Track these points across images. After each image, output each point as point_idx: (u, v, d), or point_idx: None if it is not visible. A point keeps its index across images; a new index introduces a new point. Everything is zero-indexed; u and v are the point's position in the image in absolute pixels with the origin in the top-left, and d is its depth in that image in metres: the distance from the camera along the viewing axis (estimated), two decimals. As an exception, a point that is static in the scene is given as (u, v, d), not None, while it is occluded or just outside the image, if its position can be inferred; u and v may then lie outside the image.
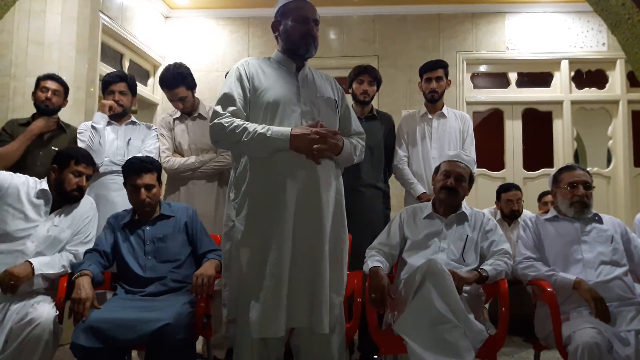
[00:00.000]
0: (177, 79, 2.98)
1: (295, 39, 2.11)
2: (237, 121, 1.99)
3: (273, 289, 1.90)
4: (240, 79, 2.08)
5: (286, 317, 1.92)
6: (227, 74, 3.29)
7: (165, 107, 5.26)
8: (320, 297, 1.95)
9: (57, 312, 2.17)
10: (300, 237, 1.96)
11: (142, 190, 2.46)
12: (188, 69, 3.05)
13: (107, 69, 4.20)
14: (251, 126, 1.97)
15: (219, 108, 2.04)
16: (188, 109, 3.08)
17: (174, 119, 3.11)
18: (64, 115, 3.35)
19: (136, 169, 2.47)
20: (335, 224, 2.07)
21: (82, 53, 3.80)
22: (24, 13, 3.64)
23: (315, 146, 1.94)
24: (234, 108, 2.03)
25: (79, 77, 3.74)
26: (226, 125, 1.98)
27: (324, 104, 2.14)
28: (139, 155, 2.67)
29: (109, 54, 4.56)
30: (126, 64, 4.82)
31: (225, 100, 2.05)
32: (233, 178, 2.12)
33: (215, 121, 2.01)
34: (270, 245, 1.94)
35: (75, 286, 2.16)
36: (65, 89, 3.09)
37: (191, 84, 3.06)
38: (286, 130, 1.96)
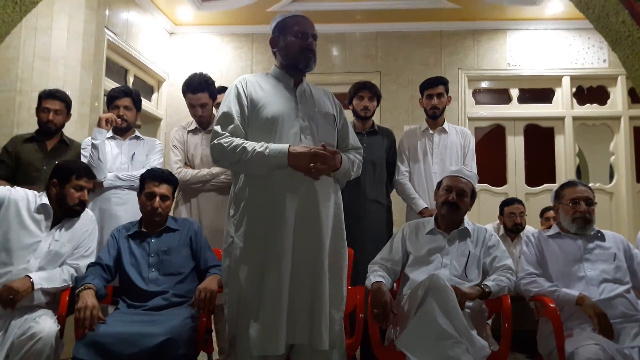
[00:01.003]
0: (203, 85, 3.05)
1: (295, 54, 2.12)
2: (237, 141, 2.00)
3: (272, 306, 1.90)
4: (238, 97, 2.09)
5: (286, 334, 1.91)
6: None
7: (169, 122, 5.31)
8: (320, 313, 1.94)
9: (59, 327, 2.16)
10: (299, 253, 1.96)
11: (157, 198, 2.49)
12: (213, 80, 3.13)
13: (111, 84, 4.24)
14: (250, 145, 1.98)
15: (218, 128, 2.05)
16: (205, 119, 3.10)
17: (188, 132, 3.13)
18: (69, 129, 3.37)
19: (157, 177, 2.53)
20: (335, 239, 2.06)
21: (87, 68, 3.85)
22: (31, 29, 3.69)
23: (311, 165, 1.94)
24: (233, 126, 2.04)
25: (84, 92, 3.78)
26: (225, 145, 2.00)
27: (322, 118, 2.14)
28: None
29: (114, 70, 4.60)
30: (130, 80, 4.86)
31: (224, 119, 2.06)
32: (232, 194, 2.12)
33: (215, 142, 2.03)
34: (269, 261, 1.94)
35: (80, 299, 2.15)
36: (67, 105, 3.10)
37: (213, 94, 3.12)
38: (284, 147, 1.96)
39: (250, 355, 1.94)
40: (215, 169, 2.99)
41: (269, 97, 2.10)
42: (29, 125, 3.14)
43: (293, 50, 2.12)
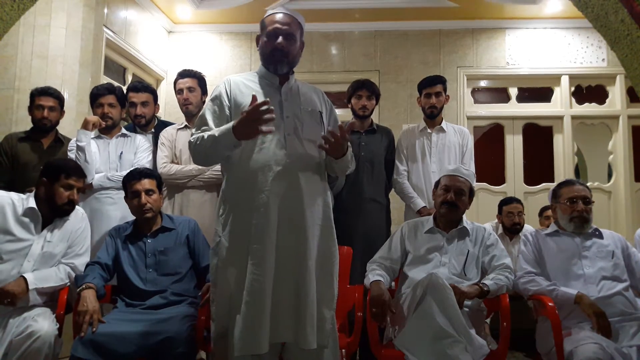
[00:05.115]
0: (194, 72, 3.15)
1: (266, 55, 2.09)
2: (201, 134, 2.00)
3: (254, 305, 1.88)
4: (219, 98, 2.08)
5: (271, 333, 1.89)
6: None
7: (166, 121, 5.29)
8: (305, 312, 1.91)
9: (58, 326, 2.16)
10: (283, 252, 1.94)
11: (143, 194, 2.48)
12: (204, 76, 3.22)
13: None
14: (207, 133, 1.98)
15: (193, 130, 2.06)
16: (192, 107, 3.09)
17: (178, 129, 3.12)
18: (67, 127, 3.38)
19: (136, 175, 2.53)
20: (323, 238, 2.04)
21: (85, 67, 3.84)
22: (29, 27, 3.68)
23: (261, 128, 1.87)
24: (206, 127, 2.03)
25: (82, 91, 3.77)
26: (193, 141, 2.01)
27: (308, 116, 2.10)
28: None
29: (113, 68, 4.60)
30: (129, 78, 4.86)
31: (200, 122, 2.06)
32: (221, 193, 2.11)
33: (189, 141, 2.05)
34: (253, 261, 1.91)
35: (81, 299, 2.15)
36: (61, 102, 3.09)
37: (203, 85, 3.17)
38: (230, 124, 1.92)
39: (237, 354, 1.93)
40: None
41: None
42: (27, 123, 3.13)
43: (265, 51, 2.09)
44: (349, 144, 2.11)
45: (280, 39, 2.05)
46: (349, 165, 2.17)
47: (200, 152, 2.00)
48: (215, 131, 1.95)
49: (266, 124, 1.85)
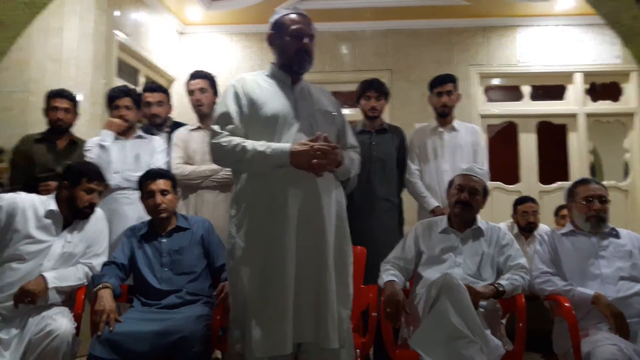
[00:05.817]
0: (206, 73, 3.18)
1: (290, 55, 2.08)
2: (236, 139, 1.97)
3: (277, 306, 1.88)
4: (236, 96, 2.06)
5: (293, 333, 1.89)
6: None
7: (178, 122, 5.32)
8: (327, 312, 1.91)
9: (76, 325, 2.19)
10: (303, 252, 1.93)
11: (157, 194, 2.50)
12: (215, 77, 3.25)
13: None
14: (250, 144, 1.95)
15: (217, 127, 2.02)
16: (205, 108, 3.11)
17: (191, 130, 3.13)
18: (81, 129, 3.40)
19: (151, 175, 2.55)
20: (338, 237, 2.03)
21: (98, 69, 3.87)
22: (42, 31, 3.71)
23: (314, 161, 1.90)
24: (233, 126, 2.01)
25: (96, 93, 3.80)
26: (225, 144, 1.97)
27: (322, 117, 2.11)
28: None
29: (125, 70, 4.62)
30: (141, 80, 4.88)
31: (223, 118, 2.03)
32: (234, 194, 2.10)
33: (214, 141, 2.00)
34: (273, 261, 1.91)
35: (98, 298, 2.18)
36: (75, 104, 3.13)
37: (215, 86, 3.19)
38: (286, 147, 1.93)
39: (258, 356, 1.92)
40: (215, 165, 2.97)
41: (268, 96, 2.06)
42: (42, 125, 3.17)
43: (288, 50, 2.08)
44: (349, 154, 2.15)
45: (306, 40, 2.07)
46: (350, 171, 2.18)
47: (236, 159, 1.97)
48: (265, 147, 1.93)
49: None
